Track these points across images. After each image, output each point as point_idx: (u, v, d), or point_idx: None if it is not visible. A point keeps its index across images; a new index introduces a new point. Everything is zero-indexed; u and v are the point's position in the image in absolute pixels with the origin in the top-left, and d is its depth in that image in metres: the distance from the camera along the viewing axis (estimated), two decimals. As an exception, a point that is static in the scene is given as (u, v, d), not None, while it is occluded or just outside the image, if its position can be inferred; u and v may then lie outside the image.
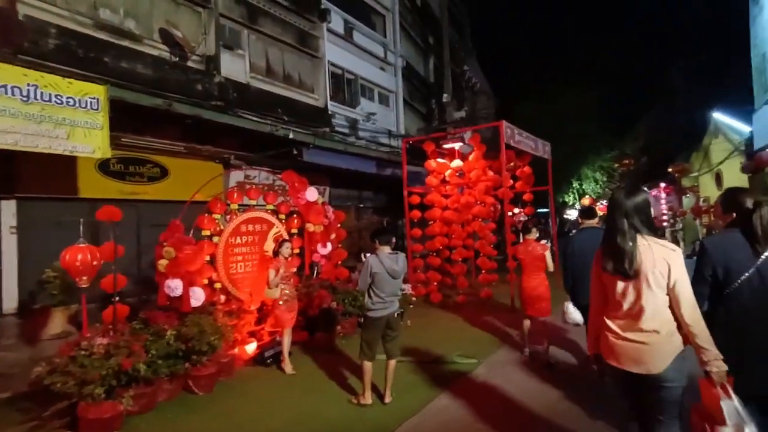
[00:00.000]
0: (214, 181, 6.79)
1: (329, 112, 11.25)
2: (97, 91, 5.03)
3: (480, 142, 8.16)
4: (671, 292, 2.08)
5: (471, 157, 7.90)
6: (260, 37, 9.23)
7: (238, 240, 5.83)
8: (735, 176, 14.81)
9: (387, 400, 4.15)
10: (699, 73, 21.15)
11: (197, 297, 4.79)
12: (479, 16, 21.34)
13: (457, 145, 8.18)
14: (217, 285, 5.55)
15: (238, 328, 5.35)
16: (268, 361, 5.37)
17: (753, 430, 1.95)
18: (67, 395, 3.69)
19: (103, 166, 6.48)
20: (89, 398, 3.63)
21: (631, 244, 2.11)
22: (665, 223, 17.09)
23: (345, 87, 12.68)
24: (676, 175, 15.99)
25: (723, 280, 2.34)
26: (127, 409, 3.86)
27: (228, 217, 5.83)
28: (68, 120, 4.75)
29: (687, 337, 2.09)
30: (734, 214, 2.48)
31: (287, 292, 5.21)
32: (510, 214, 11.01)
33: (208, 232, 5.52)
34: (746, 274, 2.28)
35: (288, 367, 5.16)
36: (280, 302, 5.15)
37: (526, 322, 5.22)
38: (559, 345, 5.39)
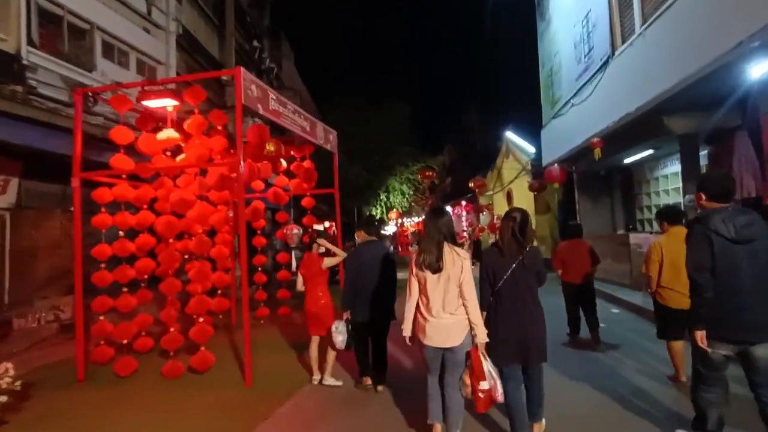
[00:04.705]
0: None
1: (24, 63, 7.36)
2: None
3: (219, 113, 5.08)
4: (462, 285, 3.06)
5: (186, 125, 4.70)
6: None
7: None
8: (523, 194, 15.28)
9: None
10: (495, 97, 22.90)
11: None
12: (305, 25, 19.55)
13: (169, 104, 4.84)
14: None
15: None
16: None
17: (499, 384, 3.00)
18: None
19: None
20: None
21: (440, 248, 3.10)
22: (463, 240, 17.08)
23: (68, 36, 8.69)
24: (477, 190, 15.92)
25: (492, 281, 3.36)
26: None
27: None
28: None
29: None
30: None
31: None
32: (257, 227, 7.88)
33: None
34: (505, 277, 3.27)
35: None
36: None
37: (313, 346, 4.74)
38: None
